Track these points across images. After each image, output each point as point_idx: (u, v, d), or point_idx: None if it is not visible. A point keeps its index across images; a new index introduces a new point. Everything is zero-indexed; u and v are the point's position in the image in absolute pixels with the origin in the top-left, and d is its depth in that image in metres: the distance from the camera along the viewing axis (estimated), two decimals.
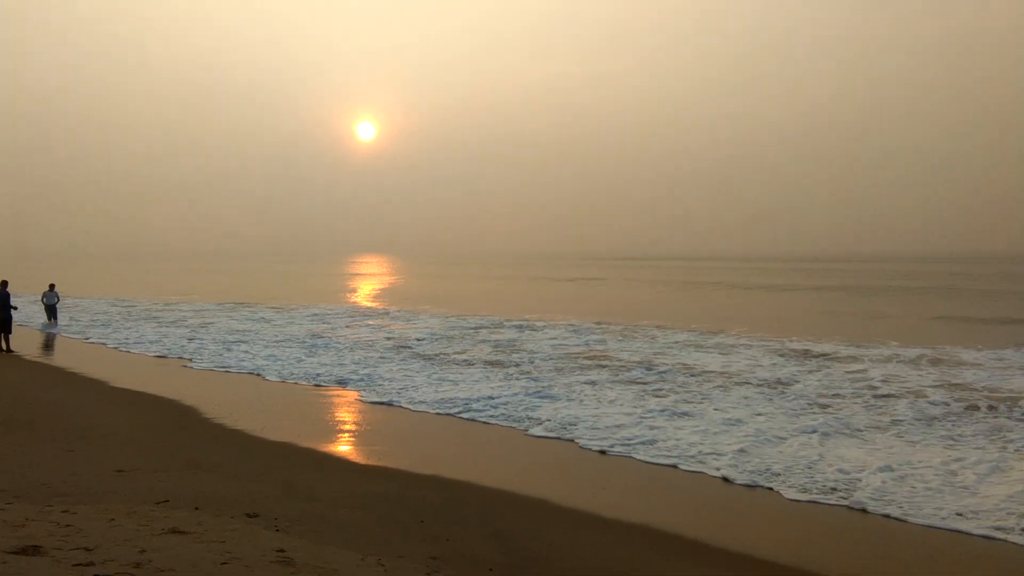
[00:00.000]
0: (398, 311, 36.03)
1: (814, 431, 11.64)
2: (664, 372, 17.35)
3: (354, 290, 57.57)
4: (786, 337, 23.77)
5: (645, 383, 16.04)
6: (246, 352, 21.01)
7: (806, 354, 20.21)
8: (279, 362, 19.20)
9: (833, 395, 14.60)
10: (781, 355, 19.91)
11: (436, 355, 20.50)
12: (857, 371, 17.47)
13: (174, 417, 12.63)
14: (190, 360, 19.68)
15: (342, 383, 16.17)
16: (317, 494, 8.34)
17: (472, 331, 26.20)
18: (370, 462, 10.18)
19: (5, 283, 20.99)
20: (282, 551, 6.22)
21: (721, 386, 15.56)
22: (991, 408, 13.38)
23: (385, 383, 16.14)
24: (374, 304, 42.66)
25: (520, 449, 11.06)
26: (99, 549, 6.01)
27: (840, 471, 9.54)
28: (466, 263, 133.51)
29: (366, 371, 17.65)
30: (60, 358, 19.85)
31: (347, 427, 12.38)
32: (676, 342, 22.75)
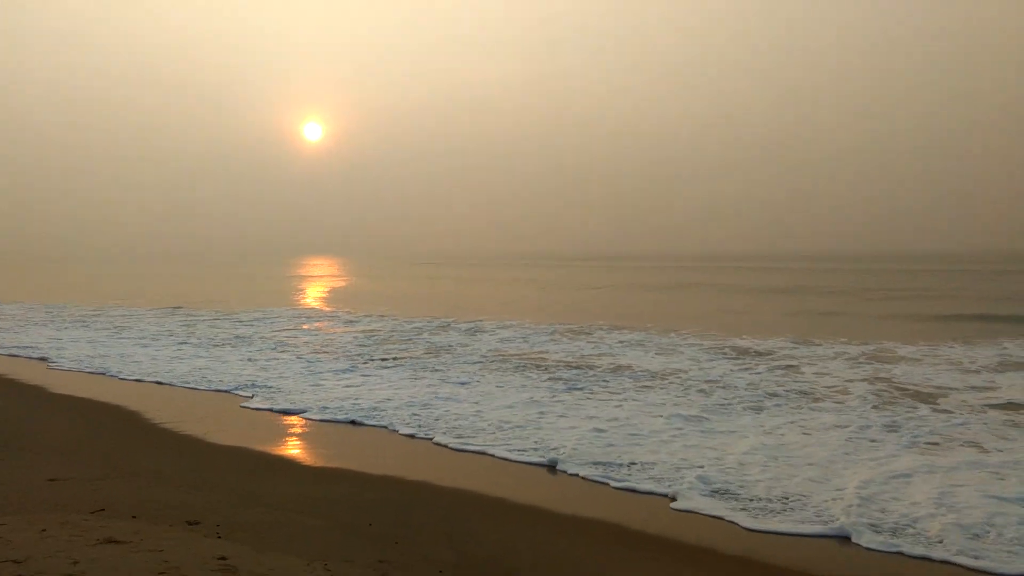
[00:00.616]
0: (345, 313, 35.60)
1: (696, 425, 11.97)
2: (590, 372, 17.33)
3: (304, 292, 56.65)
4: (737, 336, 24.12)
5: (563, 381, 16.11)
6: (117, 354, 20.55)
7: (747, 352, 20.51)
8: (170, 364, 18.80)
9: (751, 392, 14.83)
10: (722, 354, 20.12)
11: (359, 356, 20.14)
12: (789, 367, 17.85)
13: (113, 423, 12.23)
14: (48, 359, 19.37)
15: (235, 388, 15.40)
16: (262, 499, 8.15)
17: (413, 333, 25.92)
18: (319, 464, 10.01)
19: None
20: (224, 558, 6.07)
21: (645, 386, 15.60)
22: (897, 402, 13.77)
23: (283, 387, 15.52)
24: (322, 306, 42.07)
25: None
26: (30, 561, 5.79)
27: (694, 465, 9.69)
28: (424, 264, 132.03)
29: (271, 375, 17.02)
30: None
31: (292, 432, 12.11)
32: (622, 342, 22.90)
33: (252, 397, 14.53)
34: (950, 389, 15.13)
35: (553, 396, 14.51)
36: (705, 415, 12.79)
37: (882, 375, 16.71)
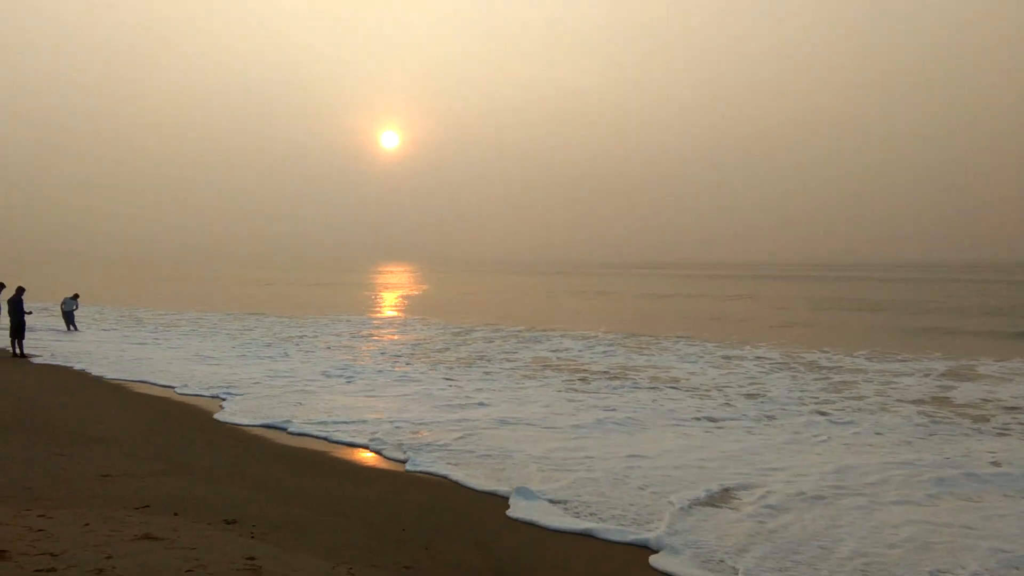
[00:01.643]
0: (409, 320, 36.14)
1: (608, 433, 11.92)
2: (620, 381, 17.11)
3: (376, 300, 57.40)
4: (817, 349, 23.22)
5: (584, 392, 15.88)
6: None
7: (815, 367, 19.69)
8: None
9: (757, 406, 14.38)
10: (785, 368, 19.34)
11: (380, 364, 20.07)
12: (845, 382, 17.10)
13: (172, 421, 12.59)
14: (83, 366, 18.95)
15: (216, 395, 15.08)
16: (303, 499, 8.23)
17: (463, 341, 25.89)
18: (365, 465, 10.06)
19: (21, 290, 21.24)
20: (252, 559, 6.13)
21: (665, 396, 15.26)
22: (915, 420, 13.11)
23: (268, 398, 14.79)
24: (388, 313, 42.74)
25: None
26: (65, 555, 5.95)
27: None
28: (499, 271, 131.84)
29: (270, 382, 16.59)
30: (74, 362, 19.82)
31: (345, 434, 12.16)
32: (687, 354, 22.21)
33: (223, 405, 13.99)
34: (1010, 409, 14.17)
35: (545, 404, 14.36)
36: (635, 423, 12.57)
37: (945, 392, 15.88)
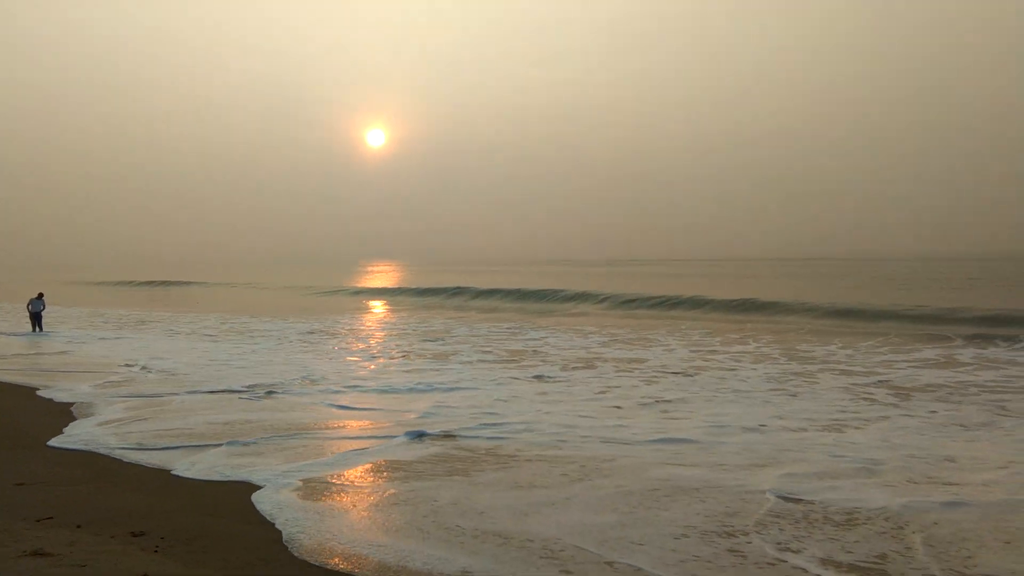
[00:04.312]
0: (414, 321, 35.75)
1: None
2: (566, 370, 17.08)
3: (367, 300, 56.48)
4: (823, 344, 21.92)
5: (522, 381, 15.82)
6: None
7: (792, 355, 19.28)
8: None
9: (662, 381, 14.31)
10: (767, 360, 18.72)
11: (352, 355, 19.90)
12: (825, 367, 16.65)
13: None
14: None
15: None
16: (225, 509, 7.73)
17: (451, 334, 25.72)
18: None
19: None
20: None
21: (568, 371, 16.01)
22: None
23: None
24: (388, 315, 42.25)
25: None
26: None
27: None
28: (496, 269, 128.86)
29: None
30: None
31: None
32: (694, 343, 21.92)
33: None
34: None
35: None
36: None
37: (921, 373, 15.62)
